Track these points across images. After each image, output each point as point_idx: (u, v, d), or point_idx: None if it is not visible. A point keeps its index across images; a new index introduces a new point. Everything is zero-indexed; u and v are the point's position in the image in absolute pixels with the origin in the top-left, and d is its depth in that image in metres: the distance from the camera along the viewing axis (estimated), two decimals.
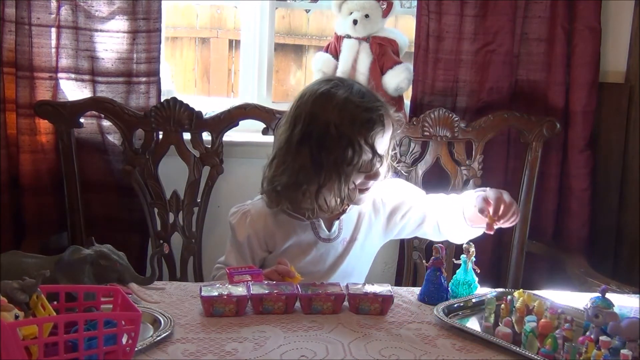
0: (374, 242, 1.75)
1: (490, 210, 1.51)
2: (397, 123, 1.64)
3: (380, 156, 1.57)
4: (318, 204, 1.58)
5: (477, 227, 1.62)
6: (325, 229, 1.67)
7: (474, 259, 1.49)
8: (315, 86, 1.61)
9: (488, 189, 1.59)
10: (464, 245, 1.49)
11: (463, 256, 1.48)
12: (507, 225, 1.54)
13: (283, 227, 1.66)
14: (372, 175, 1.59)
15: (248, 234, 1.65)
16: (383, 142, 1.58)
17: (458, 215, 1.64)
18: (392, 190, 1.75)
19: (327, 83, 1.60)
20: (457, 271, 1.50)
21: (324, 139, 1.54)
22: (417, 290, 1.51)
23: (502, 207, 1.51)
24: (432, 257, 1.48)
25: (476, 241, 1.54)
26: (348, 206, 1.66)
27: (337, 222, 1.68)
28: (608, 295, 1.26)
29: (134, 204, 2.12)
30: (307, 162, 1.55)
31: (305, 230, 1.66)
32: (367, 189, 1.62)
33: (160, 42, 2.12)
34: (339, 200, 1.58)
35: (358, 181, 1.59)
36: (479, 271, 1.50)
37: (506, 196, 1.54)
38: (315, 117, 1.55)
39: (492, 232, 1.52)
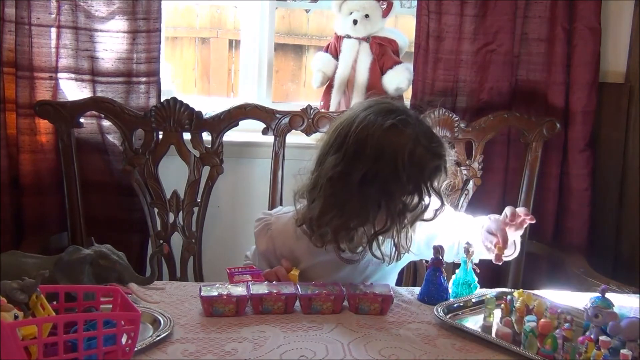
0: (406, 260, 1.66)
1: (500, 242, 1.48)
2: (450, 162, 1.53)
3: (444, 202, 1.48)
4: (371, 249, 1.47)
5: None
6: (348, 251, 1.54)
7: (474, 259, 1.49)
8: (378, 118, 1.43)
9: (490, 218, 1.55)
10: (463, 245, 1.49)
11: (463, 256, 1.48)
12: (512, 257, 1.53)
13: (303, 247, 1.54)
14: (431, 219, 1.50)
15: (267, 248, 1.59)
16: (444, 185, 1.50)
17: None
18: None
19: (392, 115, 1.43)
20: (457, 271, 1.50)
21: (390, 182, 1.40)
22: (417, 290, 1.51)
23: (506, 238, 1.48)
24: (432, 257, 1.48)
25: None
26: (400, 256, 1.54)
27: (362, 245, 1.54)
28: (608, 295, 1.26)
29: (134, 204, 2.12)
30: (368, 205, 1.42)
31: (327, 250, 1.53)
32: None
33: (160, 42, 2.12)
34: (394, 248, 1.48)
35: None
36: (478, 271, 1.50)
37: (508, 210, 1.50)
38: (382, 156, 1.40)
39: (500, 263, 1.50)
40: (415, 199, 1.44)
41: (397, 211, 1.44)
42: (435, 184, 1.46)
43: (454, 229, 1.64)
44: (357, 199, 1.42)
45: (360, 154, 1.42)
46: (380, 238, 1.48)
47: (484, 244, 1.53)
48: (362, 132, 1.43)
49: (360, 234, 1.47)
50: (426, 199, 1.46)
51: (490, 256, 1.53)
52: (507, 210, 1.50)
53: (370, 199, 1.42)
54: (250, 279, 1.47)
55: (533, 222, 1.51)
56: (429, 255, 1.66)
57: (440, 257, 1.47)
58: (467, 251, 1.48)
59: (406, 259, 1.67)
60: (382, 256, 1.49)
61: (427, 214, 1.49)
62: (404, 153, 1.40)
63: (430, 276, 1.47)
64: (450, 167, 1.52)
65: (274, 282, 1.44)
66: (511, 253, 1.57)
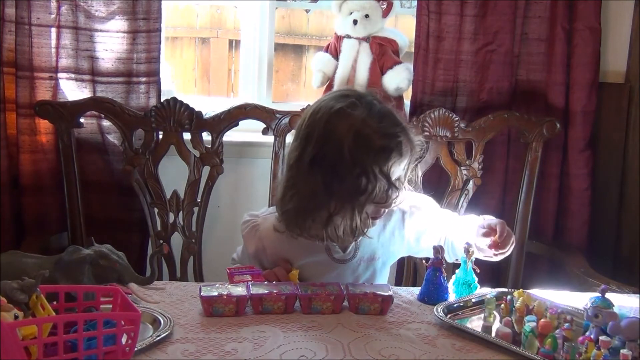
0: (396, 256, 1.69)
1: (497, 230, 1.49)
2: (417, 147, 1.51)
3: (397, 186, 1.47)
4: (327, 233, 1.48)
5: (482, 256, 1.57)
6: (340, 250, 1.57)
7: (474, 259, 1.49)
8: (330, 102, 1.47)
9: (484, 219, 1.56)
10: (463, 246, 1.49)
11: (463, 256, 1.48)
12: (505, 254, 1.51)
13: (294, 247, 1.55)
14: (385, 204, 1.49)
15: (256, 248, 1.59)
16: (399, 169, 1.48)
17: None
18: (421, 211, 1.64)
19: (344, 100, 1.46)
20: (457, 271, 1.50)
21: (337, 164, 1.42)
22: (416, 290, 1.51)
23: (505, 231, 1.49)
24: (432, 257, 1.48)
25: None
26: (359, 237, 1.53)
27: (353, 243, 1.57)
28: (608, 295, 1.26)
29: (134, 204, 2.12)
30: (318, 187, 1.43)
31: (318, 251, 1.55)
32: (378, 217, 1.53)
33: (160, 42, 2.12)
34: (349, 230, 1.47)
35: (369, 210, 1.49)
36: (478, 271, 1.50)
37: (508, 228, 1.52)
38: (328, 138, 1.43)
39: (497, 253, 1.50)
40: (363, 182, 1.42)
41: (347, 194, 1.43)
42: (388, 165, 1.44)
43: (443, 226, 1.65)
44: (309, 183, 1.45)
45: (310, 138, 1.45)
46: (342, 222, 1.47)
47: (476, 242, 1.52)
48: (312, 117, 1.47)
49: (321, 219, 1.47)
50: (378, 182, 1.44)
51: (480, 255, 1.53)
52: (498, 228, 1.50)
53: (321, 182, 1.43)
54: (250, 279, 1.47)
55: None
56: (418, 252, 1.69)
57: (440, 257, 1.47)
58: (467, 251, 1.48)
59: (396, 256, 1.68)
60: (338, 240, 1.50)
61: (382, 198, 1.47)
62: (349, 135, 1.41)
63: (430, 276, 1.47)
64: (416, 150, 1.51)
65: (273, 282, 1.44)
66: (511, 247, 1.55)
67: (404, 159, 1.48)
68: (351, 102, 1.45)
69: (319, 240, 1.53)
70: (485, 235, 1.51)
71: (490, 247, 1.50)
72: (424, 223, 1.64)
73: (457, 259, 1.59)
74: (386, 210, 1.53)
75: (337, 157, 1.42)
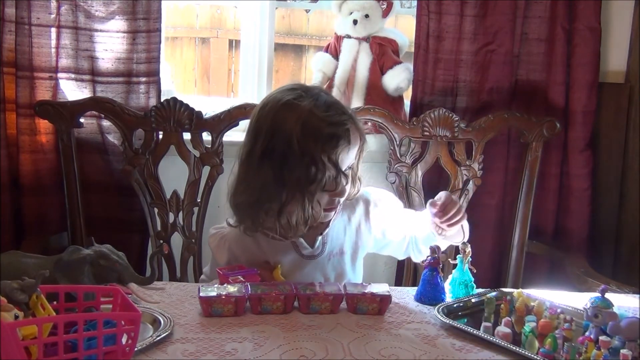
0: (365, 249, 1.69)
1: (442, 198, 1.50)
2: (364, 136, 1.53)
3: (345, 174, 1.49)
4: (281, 223, 1.50)
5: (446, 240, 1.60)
6: (308, 246, 1.59)
7: (470, 259, 1.49)
8: (278, 95, 1.50)
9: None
10: (460, 245, 1.49)
11: (459, 256, 1.48)
12: (452, 222, 1.50)
13: (263, 249, 1.57)
14: (337, 193, 1.51)
15: (228, 259, 1.59)
16: (349, 157, 1.50)
17: (429, 236, 1.60)
18: (385, 204, 1.68)
19: (291, 93, 1.49)
20: (454, 271, 1.50)
21: (286, 155, 1.44)
22: (415, 290, 1.51)
23: (448, 205, 1.49)
24: (429, 257, 1.48)
25: (476, 241, 1.53)
26: (312, 225, 1.54)
27: (320, 237, 1.59)
28: (608, 295, 1.26)
29: (134, 204, 2.12)
30: (269, 179, 1.46)
31: (287, 250, 1.57)
32: (334, 208, 1.54)
33: (160, 42, 2.12)
34: (302, 220, 1.48)
35: (323, 200, 1.50)
36: (475, 271, 1.50)
37: (455, 197, 1.54)
38: (277, 131, 1.46)
39: (445, 227, 1.51)
40: (313, 170, 1.44)
41: (297, 184, 1.45)
42: (336, 153, 1.46)
43: (408, 224, 1.66)
44: (260, 176, 1.47)
45: (260, 132, 1.48)
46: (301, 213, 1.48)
47: (433, 229, 1.54)
48: (261, 111, 1.51)
49: (274, 210, 1.49)
50: (327, 170, 1.45)
51: (439, 241, 1.55)
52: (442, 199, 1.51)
53: (271, 174, 1.46)
54: (242, 280, 1.45)
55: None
56: (386, 245, 1.71)
57: (437, 257, 1.47)
58: (463, 251, 1.48)
59: (365, 249, 1.68)
60: (291, 230, 1.51)
61: (332, 185, 1.48)
62: (297, 126, 1.44)
63: (427, 276, 1.47)
64: (364, 138, 1.53)
65: (272, 282, 1.44)
66: (454, 234, 1.56)
67: (352, 147, 1.49)
68: (298, 94, 1.48)
69: (275, 234, 1.55)
70: (432, 204, 1.52)
71: (435, 215, 1.50)
72: (388, 215, 1.67)
73: (423, 261, 1.57)
74: (341, 200, 1.54)
75: (287, 148, 1.44)
